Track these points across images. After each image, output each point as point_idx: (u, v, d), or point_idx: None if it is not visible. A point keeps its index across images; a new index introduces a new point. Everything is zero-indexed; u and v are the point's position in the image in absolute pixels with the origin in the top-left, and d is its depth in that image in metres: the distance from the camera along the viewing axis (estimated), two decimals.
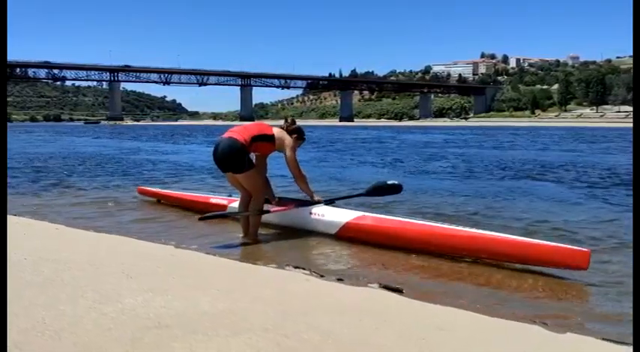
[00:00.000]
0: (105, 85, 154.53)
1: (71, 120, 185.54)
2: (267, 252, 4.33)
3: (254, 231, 4.70)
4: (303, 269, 3.68)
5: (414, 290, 3.23)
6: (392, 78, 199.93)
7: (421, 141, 29.23)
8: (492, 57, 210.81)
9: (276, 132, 4.72)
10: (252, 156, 4.69)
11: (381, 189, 5.25)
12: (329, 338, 2.29)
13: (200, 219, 4.59)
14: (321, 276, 3.52)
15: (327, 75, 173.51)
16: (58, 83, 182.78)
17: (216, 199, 5.70)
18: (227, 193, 5.83)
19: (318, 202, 4.80)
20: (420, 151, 19.61)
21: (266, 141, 4.67)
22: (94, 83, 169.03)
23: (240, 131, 4.65)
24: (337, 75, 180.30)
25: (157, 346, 2.08)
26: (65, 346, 2.04)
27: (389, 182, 5.32)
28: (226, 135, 4.66)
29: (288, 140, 4.71)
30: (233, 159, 4.52)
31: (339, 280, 3.44)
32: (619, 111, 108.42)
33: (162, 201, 6.46)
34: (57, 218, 5.57)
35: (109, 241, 4.47)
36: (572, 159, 14.88)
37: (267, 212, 4.77)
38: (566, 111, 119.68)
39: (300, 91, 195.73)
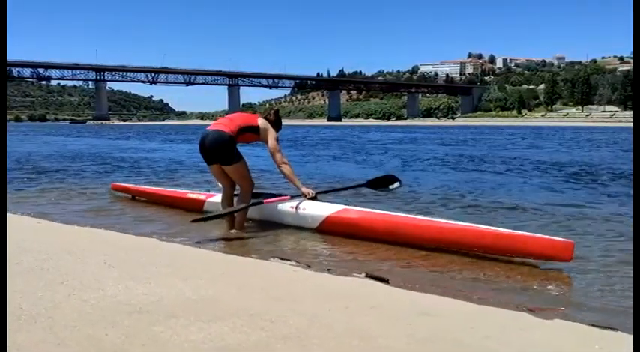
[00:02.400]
0: (91, 84, 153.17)
1: (56, 120, 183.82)
2: (254, 245, 4.29)
3: (241, 221, 4.65)
4: (289, 260, 3.64)
5: (400, 280, 3.21)
6: (380, 78, 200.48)
7: (373, 138, 30.22)
8: (479, 57, 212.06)
9: (261, 123, 4.73)
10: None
11: (382, 182, 5.23)
12: (315, 322, 2.26)
13: (193, 221, 4.51)
14: (308, 267, 3.49)
15: (315, 75, 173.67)
16: (43, 82, 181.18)
17: (193, 194, 5.62)
18: (205, 189, 5.78)
19: (307, 193, 4.69)
20: (365, 147, 20.77)
21: (251, 132, 4.68)
22: (80, 83, 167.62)
23: (227, 123, 4.65)
24: (325, 75, 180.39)
25: (136, 329, 2.04)
26: (40, 329, 1.99)
27: (389, 175, 5.34)
28: (213, 127, 4.66)
29: (271, 131, 4.71)
30: (222, 151, 4.52)
31: (326, 270, 3.40)
32: (604, 111, 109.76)
33: (137, 197, 6.32)
34: (40, 213, 5.47)
35: (91, 234, 4.41)
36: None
37: (260, 203, 4.70)
38: (552, 111, 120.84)
39: (288, 91, 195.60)
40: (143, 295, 2.51)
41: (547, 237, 3.64)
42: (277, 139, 4.72)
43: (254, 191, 5.00)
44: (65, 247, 3.66)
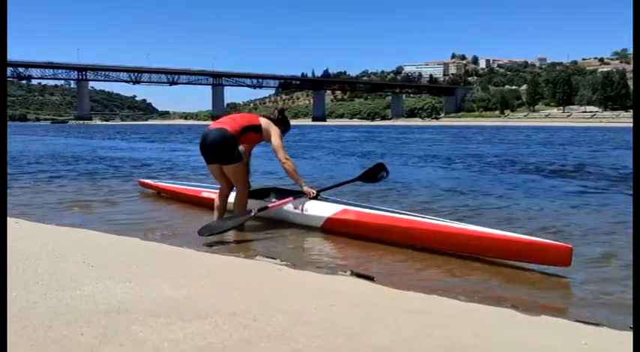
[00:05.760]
0: (72, 84, 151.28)
1: (37, 120, 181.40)
2: (240, 244, 4.21)
3: (241, 209, 4.63)
4: (274, 259, 3.58)
5: (386, 278, 3.16)
6: (364, 78, 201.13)
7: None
8: (463, 58, 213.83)
9: (263, 122, 4.64)
10: (241, 147, 4.64)
11: (372, 173, 5.22)
12: (299, 321, 2.21)
13: (201, 234, 4.21)
14: (293, 265, 3.43)
15: (299, 75, 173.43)
16: (24, 82, 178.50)
17: (207, 193, 5.60)
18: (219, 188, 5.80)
19: (309, 193, 4.65)
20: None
21: (254, 131, 4.60)
22: (62, 82, 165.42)
23: (229, 122, 4.56)
24: (310, 75, 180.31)
25: (114, 329, 1.98)
26: (12, 330, 1.92)
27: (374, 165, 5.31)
28: (215, 125, 4.57)
29: (274, 129, 4.63)
30: (223, 150, 4.45)
31: (312, 269, 3.35)
32: (585, 112, 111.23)
33: (162, 193, 6.42)
34: (19, 213, 5.32)
35: (71, 234, 4.30)
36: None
37: (266, 208, 4.65)
38: (534, 111, 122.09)
39: (272, 91, 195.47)
40: (122, 294, 2.44)
41: (544, 240, 3.49)
42: (281, 137, 4.64)
43: (267, 186, 5.03)
44: (44, 247, 3.57)
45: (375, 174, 5.24)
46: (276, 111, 4.86)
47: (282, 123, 4.79)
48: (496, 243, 3.61)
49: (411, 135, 34.93)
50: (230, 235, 4.43)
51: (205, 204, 5.46)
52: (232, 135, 4.44)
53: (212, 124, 4.64)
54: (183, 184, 6.38)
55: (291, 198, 4.74)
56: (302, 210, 4.62)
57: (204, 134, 4.56)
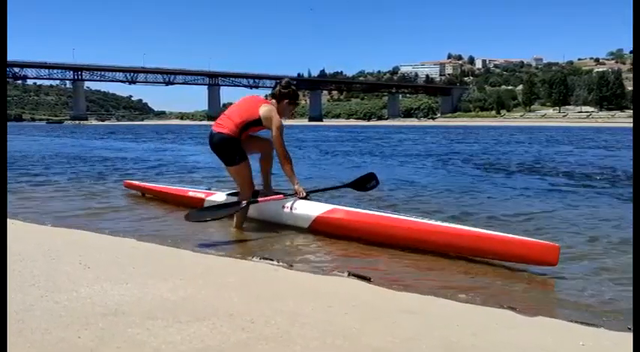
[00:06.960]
0: (68, 84, 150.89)
1: (33, 120, 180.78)
2: (236, 245, 4.20)
3: (239, 221, 4.61)
4: (271, 260, 3.57)
5: (383, 279, 3.15)
6: (361, 78, 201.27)
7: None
8: (459, 58, 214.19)
9: (263, 112, 4.48)
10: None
11: (363, 182, 5.19)
12: (297, 322, 2.21)
13: (188, 218, 4.38)
14: (290, 266, 3.43)
15: (295, 75, 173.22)
16: (19, 82, 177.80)
17: (193, 192, 5.57)
18: (206, 187, 5.79)
19: (299, 192, 4.61)
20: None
21: (255, 125, 4.51)
22: (57, 82, 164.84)
23: (227, 123, 4.50)
24: (306, 75, 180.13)
25: (111, 331, 1.97)
26: (9, 333, 1.91)
27: (366, 174, 5.28)
28: (215, 128, 4.54)
29: (275, 119, 4.48)
30: (223, 153, 4.48)
31: (309, 269, 3.34)
32: (581, 112, 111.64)
33: (146, 194, 6.35)
34: (14, 214, 5.29)
35: (66, 235, 4.27)
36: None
37: (256, 202, 4.62)
38: (530, 111, 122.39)
39: (268, 91, 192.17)
40: (119, 296, 2.43)
41: (529, 239, 3.48)
42: (281, 129, 4.50)
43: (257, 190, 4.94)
44: (39, 248, 3.55)
45: (365, 183, 5.21)
46: (279, 86, 4.67)
47: (288, 97, 4.65)
48: (483, 242, 3.59)
49: (400, 135, 35.00)
50: (227, 236, 4.42)
51: (193, 204, 5.40)
52: (230, 136, 4.40)
53: (213, 126, 4.60)
54: (169, 184, 6.35)
55: (282, 195, 4.71)
56: (291, 208, 4.57)
57: (209, 137, 4.58)
